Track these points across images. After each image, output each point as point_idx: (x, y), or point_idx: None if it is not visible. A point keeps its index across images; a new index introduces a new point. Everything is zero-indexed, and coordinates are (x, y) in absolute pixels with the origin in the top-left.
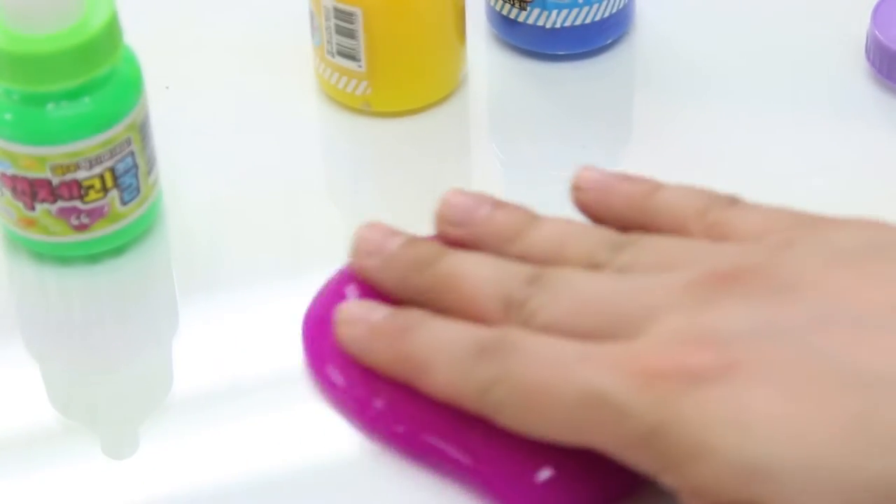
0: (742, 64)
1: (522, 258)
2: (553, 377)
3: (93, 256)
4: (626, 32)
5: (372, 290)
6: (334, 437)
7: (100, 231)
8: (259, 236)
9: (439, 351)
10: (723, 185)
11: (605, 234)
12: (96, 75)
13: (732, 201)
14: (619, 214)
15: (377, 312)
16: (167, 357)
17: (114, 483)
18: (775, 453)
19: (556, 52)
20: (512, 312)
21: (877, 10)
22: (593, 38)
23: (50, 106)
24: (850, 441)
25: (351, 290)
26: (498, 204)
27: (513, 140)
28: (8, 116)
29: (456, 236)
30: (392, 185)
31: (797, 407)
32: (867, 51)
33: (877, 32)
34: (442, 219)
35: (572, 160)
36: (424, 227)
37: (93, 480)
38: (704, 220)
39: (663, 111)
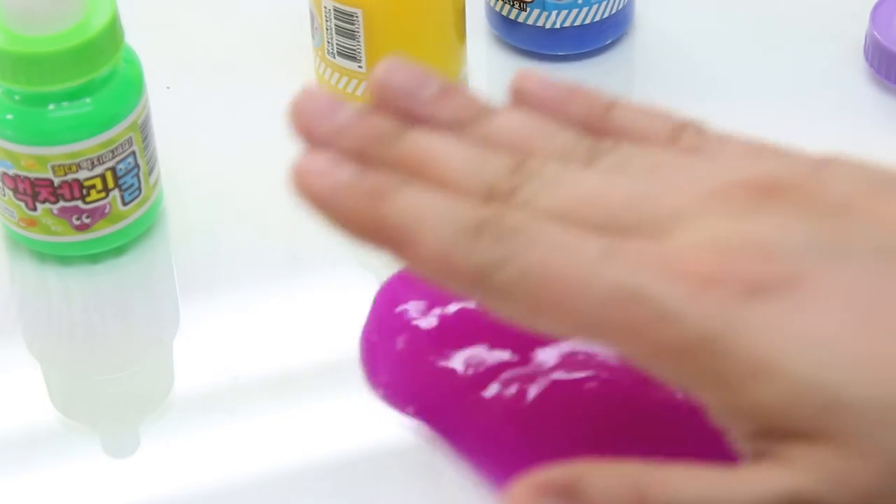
0: (741, 64)
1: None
2: (575, 268)
3: (94, 256)
4: (625, 33)
5: (429, 292)
6: (335, 436)
7: (101, 231)
8: (260, 236)
9: (427, 219)
10: None
11: (579, 137)
12: (97, 76)
13: (699, 129)
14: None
15: (343, 170)
16: (168, 357)
17: (115, 482)
18: (857, 380)
19: (555, 52)
20: (498, 202)
21: (875, 11)
22: (593, 39)
23: (51, 106)
24: None
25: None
26: (446, 85)
27: None
28: (9, 117)
29: (400, 110)
30: None
31: (876, 334)
32: (866, 51)
33: (875, 33)
34: (382, 90)
35: None
36: None
37: (94, 480)
38: (679, 145)
39: None
